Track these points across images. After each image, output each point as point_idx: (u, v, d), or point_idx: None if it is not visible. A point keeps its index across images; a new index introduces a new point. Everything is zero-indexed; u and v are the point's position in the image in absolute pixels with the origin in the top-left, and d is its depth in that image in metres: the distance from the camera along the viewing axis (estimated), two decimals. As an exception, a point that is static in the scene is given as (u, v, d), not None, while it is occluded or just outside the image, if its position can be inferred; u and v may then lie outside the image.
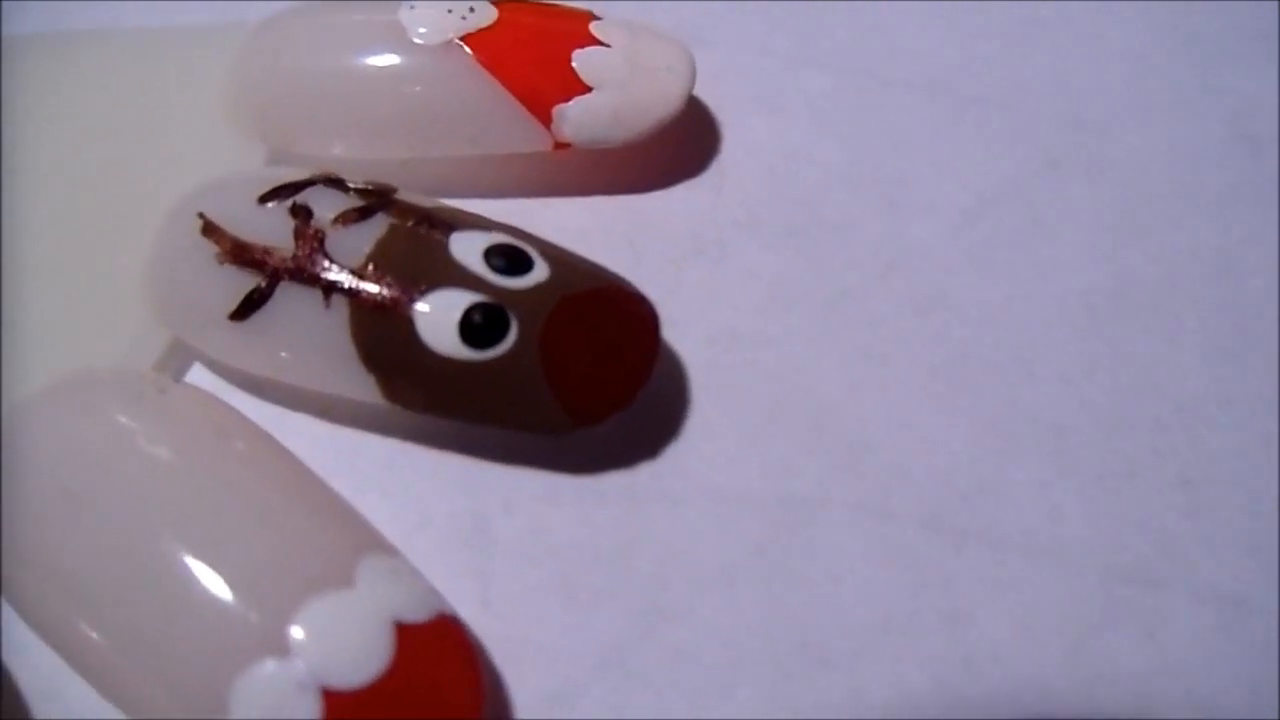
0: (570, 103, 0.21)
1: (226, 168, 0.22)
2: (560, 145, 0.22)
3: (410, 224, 0.19)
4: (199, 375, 0.20)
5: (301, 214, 0.19)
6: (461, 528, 0.19)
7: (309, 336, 0.19)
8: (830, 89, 0.24)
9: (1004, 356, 0.21)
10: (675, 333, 0.21)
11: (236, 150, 0.22)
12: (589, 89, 0.21)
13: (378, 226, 0.19)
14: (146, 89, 0.23)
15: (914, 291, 0.22)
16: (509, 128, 0.22)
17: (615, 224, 0.22)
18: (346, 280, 0.19)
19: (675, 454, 0.20)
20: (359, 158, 0.22)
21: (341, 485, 0.19)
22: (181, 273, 0.20)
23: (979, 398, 0.21)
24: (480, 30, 0.21)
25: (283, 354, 0.19)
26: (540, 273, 0.19)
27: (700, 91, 0.23)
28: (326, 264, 0.19)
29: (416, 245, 0.19)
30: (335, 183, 0.20)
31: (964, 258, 0.22)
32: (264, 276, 0.19)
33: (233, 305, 0.19)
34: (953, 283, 0.22)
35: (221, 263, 0.19)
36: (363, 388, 0.19)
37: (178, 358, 0.20)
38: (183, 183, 0.21)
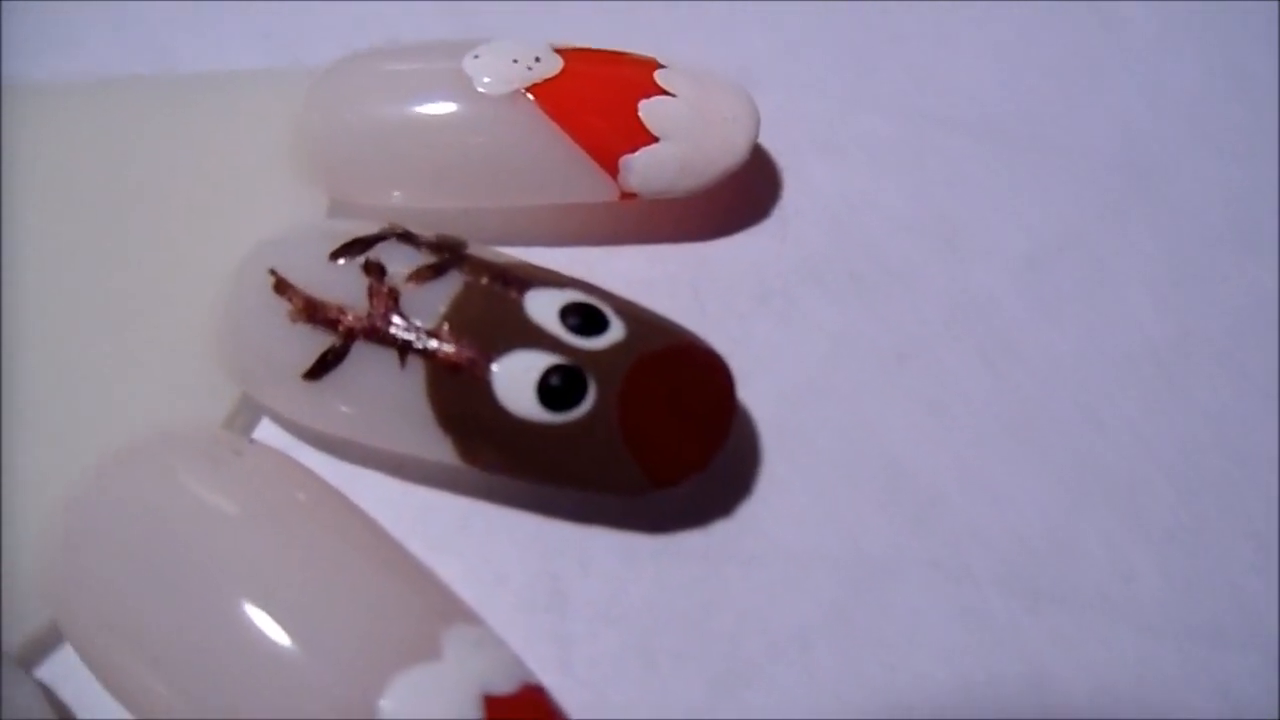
0: (637, 153, 0.21)
1: (289, 217, 0.22)
2: (626, 195, 0.22)
3: (484, 281, 0.19)
4: (268, 430, 0.20)
5: (375, 271, 0.19)
6: (538, 589, 0.19)
7: (384, 397, 0.19)
8: (889, 132, 0.24)
9: (1072, 409, 0.21)
10: (744, 387, 0.21)
11: (299, 199, 0.22)
12: (655, 139, 0.21)
13: (452, 284, 0.19)
14: (206, 135, 0.23)
15: (980, 342, 0.22)
16: (575, 178, 0.21)
17: (680, 273, 0.22)
18: (422, 341, 0.19)
19: (749, 513, 0.20)
20: (422, 207, 0.22)
21: (416, 546, 0.19)
22: (253, 330, 0.20)
23: (1048, 452, 0.21)
24: (546, 80, 0.21)
25: (357, 414, 0.19)
26: (616, 332, 0.19)
27: (760, 136, 0.23)
28: (402, 324, 0.19)
29: (492, 304, 0.19)
30: (406, 237, 0.20)
31: (1029, 306, 0.22)
32: (338, 336, 0.19)
33: (306, 364, 0.19)
34: (1019, 333, 0.22)
35: (294, 321, 0.19)
36: (439, 449, 0.19)
37: (247, 413, 0.20)
38: (246, 232, 0.21)
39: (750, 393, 0.21)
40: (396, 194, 0.22)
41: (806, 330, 0.22)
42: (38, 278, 0.21)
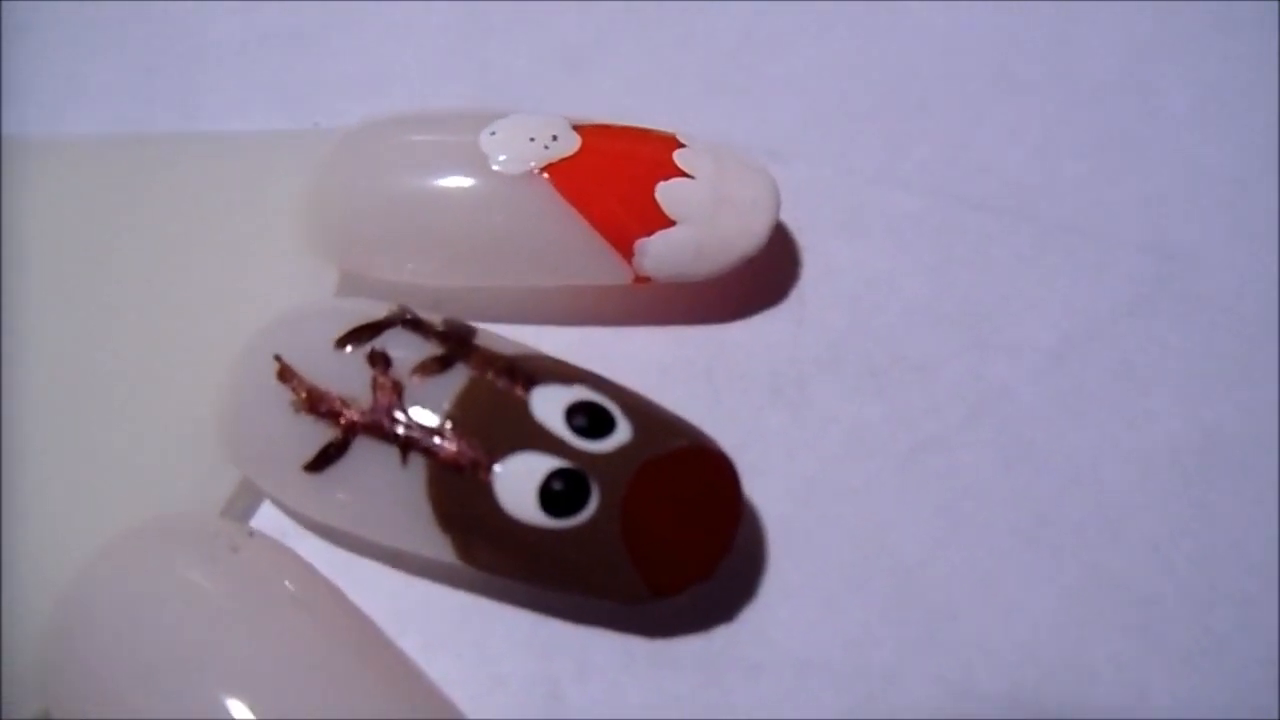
0: (653, 237, 0.21)
1: (299, 289, 0.21)
2: (640, 279, 0.21)
3: (490, 376, 0.19)
4: (269, 513, 0.20)
5: (380, 362, 0.19)
6: (534, 693, 0.19)
7: (384, 493, 0.19)
8: (914, 211, 0.24)
9: (1089, 517, 0.21)
10: (753, 483, 0.20)
11: (309, 270, 0.22)
12: (672, 223, 0.21)
13: (457, 379, 0.19)
14: (217, 198, 0.23)
15: (999, 441, 0.21)
16: (589, 261, 0.21)
17: (694, 357, 0.22)
18: (425, 439, 0.18)
19: (752, 618, 0.20)
20: (434, 284, 0.22)
21: (412, 642, 0.19)
22: (255, 417, 0.19)
23: (1062, 564, 0.20)
24: (563, 159, 0.21)
25: (356, 508, 0.19)
26: (622, 433, 0.18)
27: (782, 212, 0.23)
28: (405, 420, 0.18)
29: (497, 402, 0.19)
30: (413, 324, 0.20)
31: (1050, 404, 0.22)
32: (340, 430, 0.19)
33: (308, 456, 0.19)
34: (1038, 433, 0.21)
35: (297, 411, 0.19)
36: (438, 548, 0.19)
37: (248, 496, 0.20)
38: (255, 303, 0.21)
39: (760, 490, 0.21)
40: (408, 269, 0.22)
41: (820, 423, 0.21)
42: (37, 351, 0.21)
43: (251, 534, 0.19)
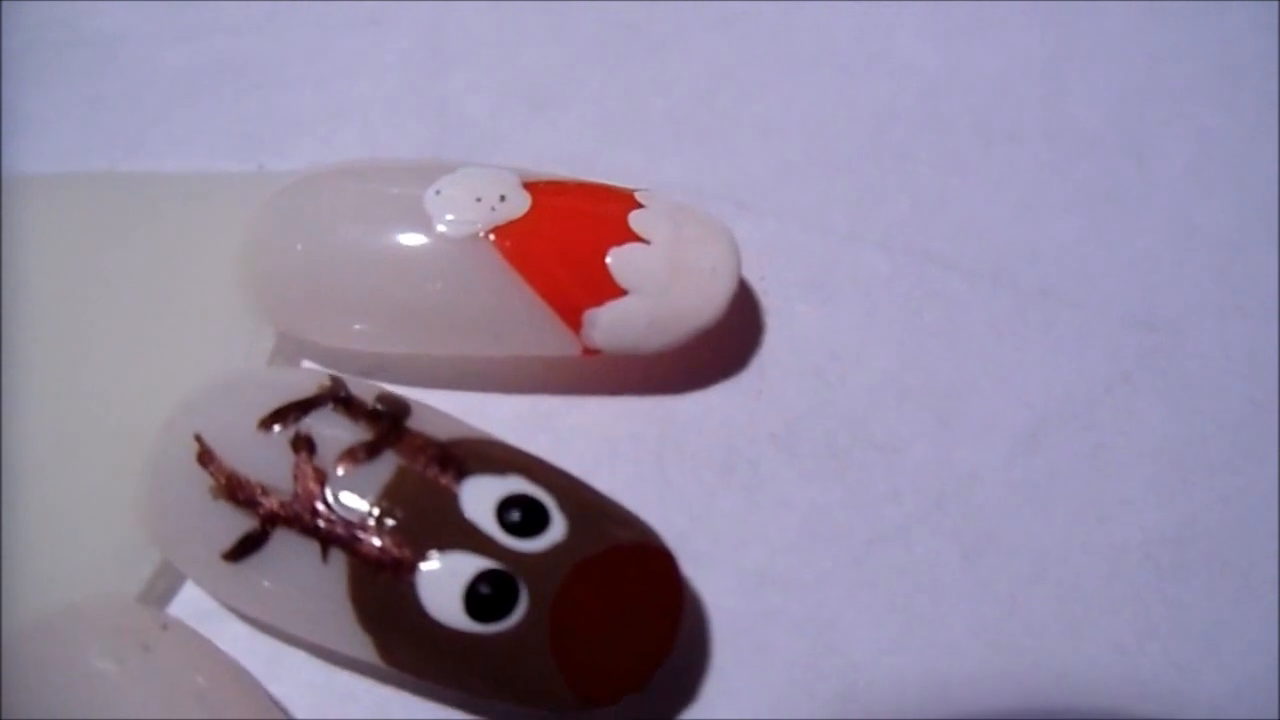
0: (602, 308, 0.20)
1: (233, 349, 0.21)
2: (589, 351, 0.20)
3: (421, 466, 0.18)
4: (191, 594, 0.19)
5: (304, 447, 0.18)
6: (457, 800, 0.18)
7: (304, 589, 0.18)
8: (886, 273, 0.23)
9: (1053, 617, 0.20)
10: (699, 571, 0.20)
11: (245, 328, 0.21)
12: (624, 292, 0.20)
13: (385, 468, 0.18)
14: (151, 245, 0.22)
15: (961, 532, 0.20)
16: (535, 331, 0.20)
17: (645, 430, 0.21)
18: (347, 534, 0.17)
19: (691, 723, 0.19)
20: (372, 349, 0.21)
21: (332, 739, 0.18)
22: (174, 499, 0.19)
23: (1022, 669, 0.19)
24: (510, 222, 0.20)
25: (276, 602, 0.18)
26: (556, 531, 0.18)
27: (745, 268, 0.22)
28: (326, 513, 0.18)
29: (425, 496, 0.18)
30: (343, 403, 0.19)
31: (1018, 493, 0.21)
32: (259, 520, 0.18)
33: (227, 544, 0.18)
34: (1004, 523, 0.20)
35: (215, 498, 0.18)
36: (359, 647, 0.18)
37: (172, 573, 0.19)
38: (186, 361, 0.20)
39: (706, 580, 0.20)
40: (344, 334, 0.21)
41: (773, 508, 0.20)
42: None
43: (166, 626, 0.18)
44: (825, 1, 0.25)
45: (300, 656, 0.19)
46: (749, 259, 0.22)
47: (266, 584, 0.18)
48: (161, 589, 0.19)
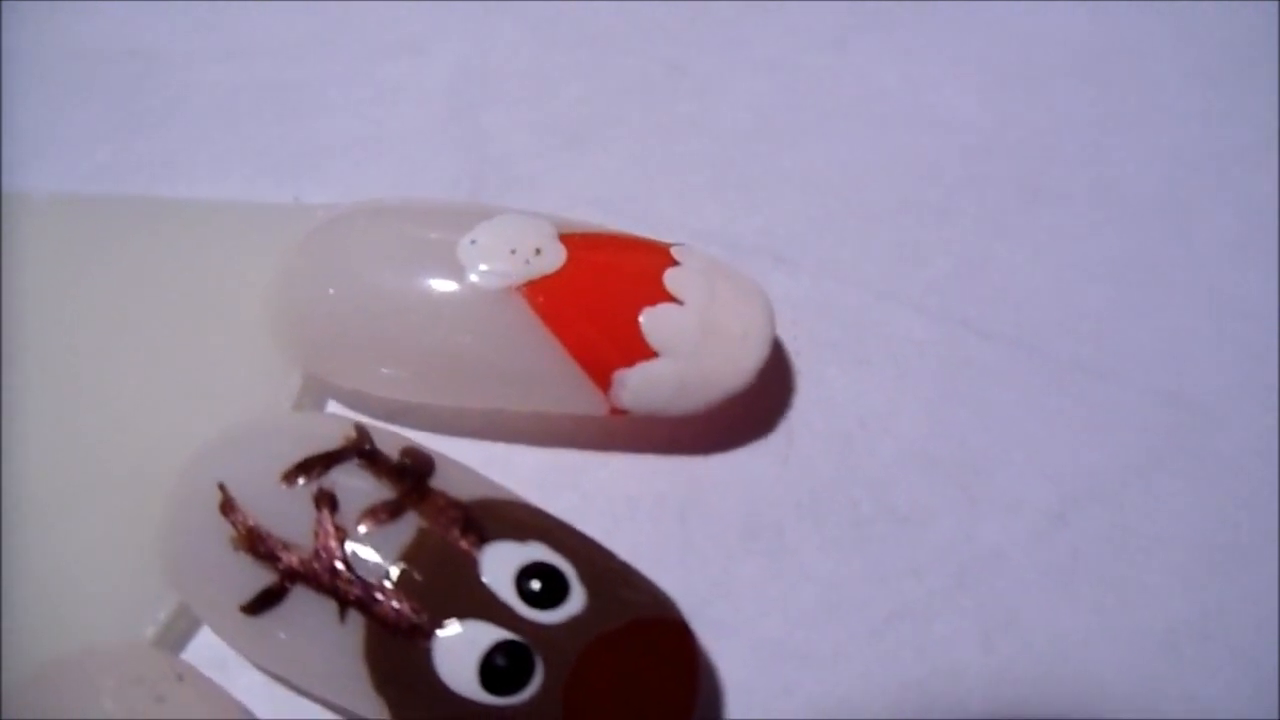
0: (633, 369, 0.19)
1: (259, 389, 0.21)
2: (617, 411, 0.20)
3: (442, 529, 0.18)
4: (206, 639, 0.19)
5: (326, 504, 0.18)
6: None
7: (320, 647, 0.18)
8: (920, 337, 0.22)
9: (1071, 705, 0.19)
10: (716, 640, 0.19)
11: (272, 368, 0.21)
12: (655, 354, 0.19)
13: (406, 529, 0.18)
14: (181, 277, 0.22)
15: (982, 612, 0.20)
16: (563, 390, 0.20)
17: (670, 492, 0.21)
18: (364, 596, 0.17)
19: (701, 800, 0.19)
20: (397, 397, 0.21)
21: (342, 797, 0.18)
22: (194, 546, 0.19)
23: (1037, 757, 0.19)
24: (544, 277, 0.20)
25: (292, 658, 0.18)
26: (575, 603, 0.17)
27: (778, 324, 0.21)
28: (345, 574, 0.17)
29: (445, 561, 0.18)
30: (368, 456, 0.18)
31: (1042, 574, 0.20)
32: (279, 575, 0.18)
33: (246, 596, 0.18)
34: (1027, 605, 0.20)
35: (236, 549, 0.18)
36: (373, 709, 0.18)
37: (187, 619, 0.19)
38: (212, 399, 0.20)
39: (722, 650, 0.20)
40: (370, 381, 0.21)
41: (794, 578, 0.20)
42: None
43: (181, 677, 0.18)
44: (873, 51, 0.25)
45: (315, 709, 0.19)
46: (782, 315, 0.22)
47: (283, 638, 0.18)
48: (179, 631, 0.19)
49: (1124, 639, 0.20)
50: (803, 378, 0.22)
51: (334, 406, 0.21)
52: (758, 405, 0.21)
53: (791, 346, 0.22)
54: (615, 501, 0.20)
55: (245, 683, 0.19)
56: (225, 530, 0.18)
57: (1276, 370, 0.22)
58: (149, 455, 0.20)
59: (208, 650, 0.19)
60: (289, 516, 0.18)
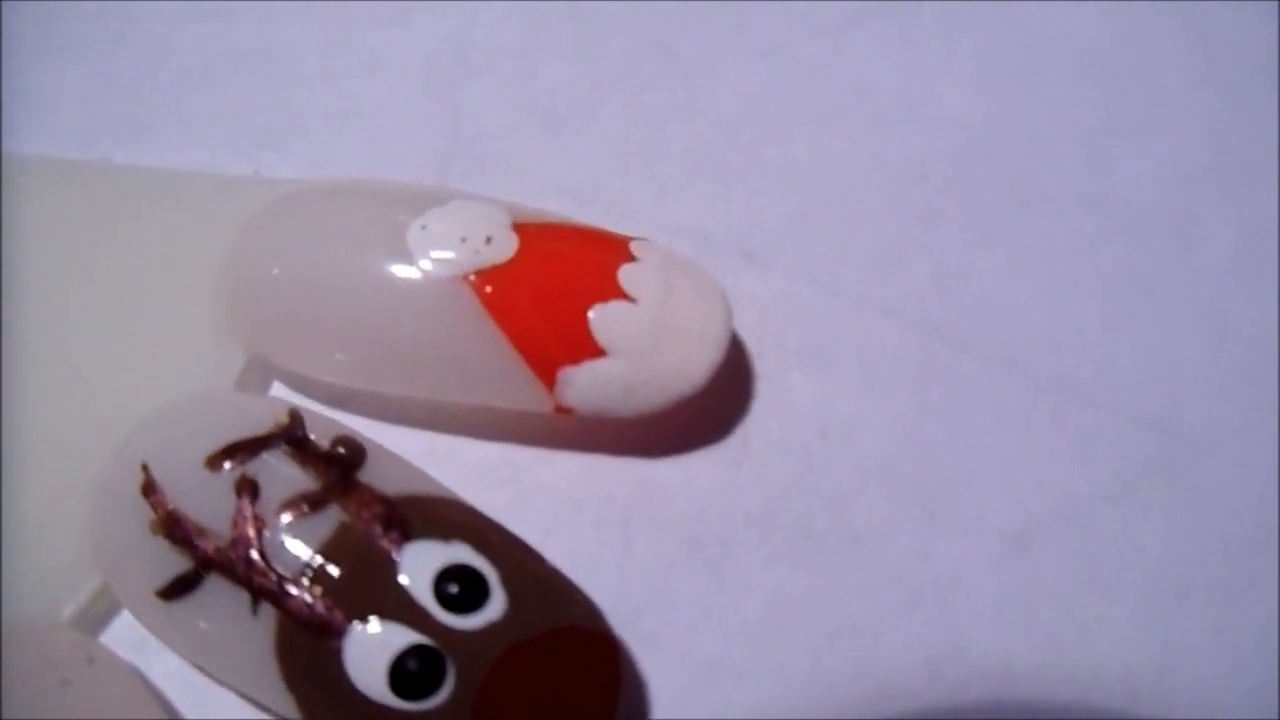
0: (579, 367, 0.19)
1: (201, 366, 0.20)
2: (561, 410, 0.19)
3: (363, 524, 0.17)
4: (127, 622, 0.19)
5: (247, 492, 0.17)
6: None
7: (233, 638, 0.17)
8: (893, 345, 0.21)
9: (1015, 741, 0.19)
10: (648, 654, 0.19)
11: (216, 345, 0.20)
12: (603, 353, 0.19)
13: (327, 523, 0.17)
14: (132, 245, 0.21)
15: (932, 637, 0.19)
16: (507, 384, 0.19)
17: (614, 494, 0.20)
18: (277, 589, 0.17)
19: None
20: (341, 382, 0.20)
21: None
22: (118, 525, 0.18)
23: (975, 792, 0.18)
24: (493, 267, 0.19)
25: (203, 648, 0.18)
26: (494, 608, 0.17)
27: (740, 323, 0.21)
28: (260, 564, 0.17)
29: (363, 557, 0.17)
30: (298, 444, 0.18)
31: (999, 599, 0.20)
32: (194, 561, 0.17)
33: (163, 581, 0.17)
34: (979, 631, 0.19)
35: (154, 533, 0.17)
36: (283, 705, 0.17)
37: (110, 600, 0.19)
38: (149, 371, 0.20)
39: (654, 663, 0.19)
40: (311, 365, 0.20)
41: (736, 590, 0.20)
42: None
43: (92, 660, 0.18)
44: (870, 42, 0.24)
45: (232, 699, 0.18)
46: (749, 316, 0.21)
47: (198, 626, 0.18)
48: (101, 611, 0.19)
49: (1079, 675, 0.19)
50: (764, 382, 0.21)
51: (279, 388, 0.21)
52: (714, 408, 0.21)
53: (755, 349, 0.21)
54: (557, 501, 0.20)
55: (163, 668, 0.19)
56: (148, 512, 0.18)
57: (1277, 400, 0.21)
58: (84, 427, 0.19)
59: (129, 631, 0.19)
60: (211, 502, 0.18)
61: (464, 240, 0.19)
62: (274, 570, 0.17)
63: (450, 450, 0.20)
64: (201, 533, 0.17)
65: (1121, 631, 0.20)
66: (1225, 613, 0.20)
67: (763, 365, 0.21)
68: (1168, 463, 0.21)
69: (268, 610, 0.17)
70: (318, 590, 0.17)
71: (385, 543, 0.17)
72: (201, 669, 0.18)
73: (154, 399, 0.19)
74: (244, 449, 0.18)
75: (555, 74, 0.24)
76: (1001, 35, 0.24)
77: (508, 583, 0.17)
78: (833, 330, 0.22)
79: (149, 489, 0.18)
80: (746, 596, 0.19)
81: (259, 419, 0.18)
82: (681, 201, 0.23)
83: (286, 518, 0.17)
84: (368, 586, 0.17)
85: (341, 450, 0.18)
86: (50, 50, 0.24)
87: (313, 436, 0.18)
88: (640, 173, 0.23)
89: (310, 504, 0.17)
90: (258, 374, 0.20)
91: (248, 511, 0.17)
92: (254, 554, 0.17)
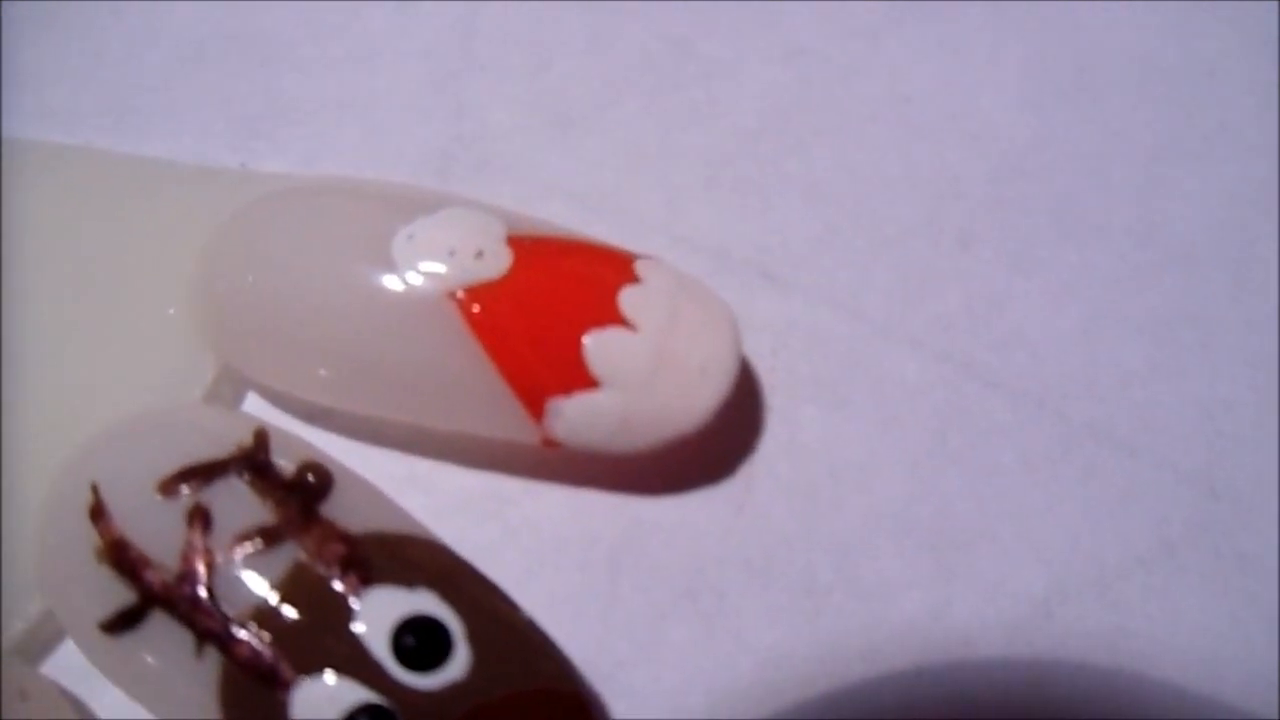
0: (570, 399, 0.17)
1: (170, 376, 0.19)
2: (549, 442, 0.18)
3: (321, 566, 0.16)
4: (70, 650, 0.18)
5: (199, 522, 0.16)
6: None
7: (176, 680, 0.16)
8: (915, 380, 0.20)
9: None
10: (629, 709, 0.18)
11: (187, 352, 0.19)
12: (596, 384, 0.17)
13: (283, 560, 0.16)
14: (108, 239, 0.20)
15: (939, 707, 0.18)
16: (492, 413, 0.18)
17: (603, 534, 0.19)
18: (222, 631, 0.16)
19: None
20: (315, 399, 0.19)
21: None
22: (65, 548, 0.17)
23: None
24: (483, 284, 0.17)
25: (146, 685, 0.17)
26: (456, 666, 0.16)
27: (752, 348, 0.19)
28: (206, 604, 0.16)
29: (317, 602, 0.16)
30: (259, 469, 0.17)
31: (1013, 673, 0.18)
32: (138, 595, 0.16)
33: (106, 612, 0.16)
34: (990, 704, 0.18)
35: (99, 561, 0.16)
36: (224, 754, 0.16)
37: (53, 625, 0.18)
38: (115, 378, 0.19)
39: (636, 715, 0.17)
40: (287, 378, 0.19)
41: (729, 650, 0.18)
42: None
43: (25, 696, 0.16)
44: (907, 47, 0.22)
45: (173, 736, 0.17)
46: (761, 341, 0.20)
47: (143, 662, 0.16)
48: (45, 638, 0.18)
49: (1097, 756, 0.17)
50: (773, 415, 0.20)
51: (253, 400, 0.19)
52: (717, 443, 0.19)
53: (767, 380, 0.20)
54: (542, 540, 0.18)
55: (110, 700, 0.17)
56: (95, 536, 0.16)
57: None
58: (43, 436, 0.18)
59: (76, 658, 0.18)
60: (162, 530, 0.16)
61: (452, 253, 0.18)
62: (220, 611, 0.16)
63: (430, 476, 0.19)
64: (148, 564, 0.16)
65: (1150, 712, 0.18)
66: (1269, 697, 0.18)
67: (774, 397, 0.20)
68: (1211, 525, 0.19)
69: (213, 655, 0.16)
70: (266, 636, 0.16)
71: (343, 586, 0.16)
72: (144, 707, 0.17)
73: (118, 406, 0.18)
74: (199, 474, 0.17)
75: (566, 70, 0.22)
76: (1051, 42, 0.22)
77: (474, 637, 0.16)
78: (851, 360, 0.20)
79: (96, 513, 0.17)
80: (740, 654, 0.18)
81: (222, 439, 0.17)
82: (695, 213, 0.21)
83: (239, 552, 0.16)
84: (320, 634, 0.16)
85: (310, 478, 0.17)
86: (35, 33, 0.22)
87: (278, 460, 0.17)
88: (652, 180, 0.21)
89: (265, 538, 0.16)
90: (232, 386, 0.19)
91: (198, 543, 0.16)
92: (201, 591, 0.16)
